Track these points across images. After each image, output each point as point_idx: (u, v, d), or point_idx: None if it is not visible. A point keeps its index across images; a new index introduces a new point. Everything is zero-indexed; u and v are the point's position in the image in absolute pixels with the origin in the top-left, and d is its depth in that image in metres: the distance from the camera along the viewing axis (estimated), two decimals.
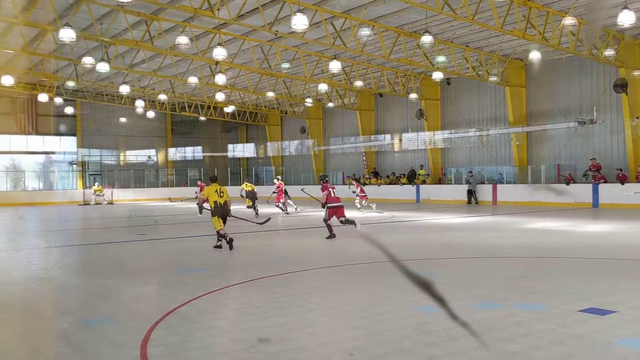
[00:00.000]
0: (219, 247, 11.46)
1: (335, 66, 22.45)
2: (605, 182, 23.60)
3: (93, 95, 36.90)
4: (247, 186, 21.69)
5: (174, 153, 45.32)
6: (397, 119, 34.66)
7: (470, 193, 27.64)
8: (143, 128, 42.50)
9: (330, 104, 34.24)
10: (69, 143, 40.77)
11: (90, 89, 35.73)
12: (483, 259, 9.93)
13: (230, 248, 11.20)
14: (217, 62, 24.89)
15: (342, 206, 13.16)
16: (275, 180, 23.15)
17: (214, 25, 21.83)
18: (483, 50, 25.55)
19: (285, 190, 22.33)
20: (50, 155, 40.78)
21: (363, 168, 36.16)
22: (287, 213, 22.05)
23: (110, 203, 35.56)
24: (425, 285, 1.56)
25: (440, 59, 24.37)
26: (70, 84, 30.72)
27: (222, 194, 11.47)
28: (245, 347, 4.87)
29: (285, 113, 40.65)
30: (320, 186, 13.50)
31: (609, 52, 22.15)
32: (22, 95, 35.79)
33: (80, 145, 40.74)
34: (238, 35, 23.23)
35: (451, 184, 30.39)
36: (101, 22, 21.34)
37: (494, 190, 27.31)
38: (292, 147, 43.18)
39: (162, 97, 34.20)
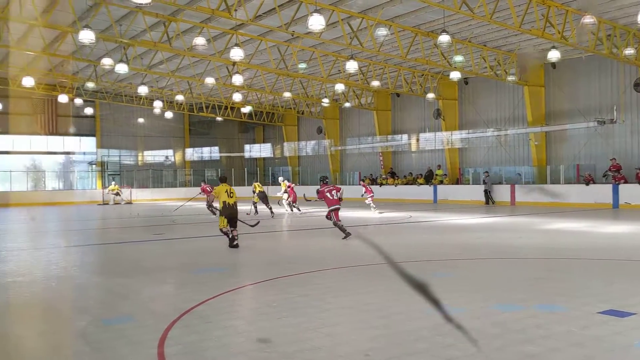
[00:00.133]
0: (236, 246, 11.54)
1: (352, 66, 22.40)
2: (626, 182, 23.29)
3: (112, 96, 37.29)
4: (259, 187, 22.03)
5: (191, 153, 45.59)
6: (414, 119, 34.52)
7: (487, 193, 27.44)
8: (161, 128, 42.83)
9: (347, 104, 34.20)
10: (88, 143, 41.21)
11: (109, 89, 36.10)
12: (501, 260, 9.85)
13: (230, 246, 11.44)
14: (234, 63, 24.98)
15: (338, 209, 13.23)
16: (280, 180, 23.73)
17: (231, 26, 21.92)
18: (501, 49, 25.34)
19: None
20: (70, 156, 41.23)
21: (380, 168, 36.06)
22: (298, 212, 22.33)
23: (129, 203, 35.84)
24: (421, 287, 1.55)
25: (458, 58, 24.21)
26: (90, 85, 31.04)
27: (231, 195, 11.61)
28: (261, 347, 4.88)
29: (302, 113, 40.68)
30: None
31: (629, 51, 21.84)
32: (42, 96, 36.25)
33: (100, 145, 41.16)
34: (255, 36, 23.30)
35: (469, 184, 30.19)
36: (120, 23, 21.53)
37: (512, 191, 27.08)
38: (308, 147, 43.21)
39: (180, 97, 34.41)
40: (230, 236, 11.52)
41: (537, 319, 5.61)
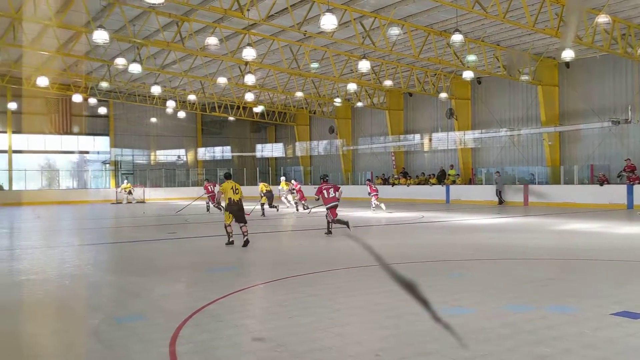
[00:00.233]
0: (247, 242, 11.78)
1: (364, 66, 22.37)
2: None
3: (125, 96, 37.54)
4: (265, 186, 22.27)
5: (204, 153, 45.79)
6: (426, 119, 34.41)
7: (499, 193, 27.28)
8: (174, 128, 43.06)
9: (359, 104, 34.17)
10: (102, 143, 41.53)
11: (123, 89, 36.36)
12: (514, 261, 9.79)
13: (227, 243, 11.83)
14: (246, 63, 25.06)
15: (335, 207, 13.76)
16: (281, 179, 24.27)
17: (243, 25, 21.99)
18: (514, 48, 25.19)
19: (289, 190, 22.91)
20: (84, 155, 41.57)
21: (392, 168, 35.98)
22: (306, 210, 22.49)
23: (142, 202, 36.05)
24: (410, 287, 1.55)
25: (471, 57, 24.10)
26: (104, 84, 31.29)
27: (237, 191, 11.93)
28: (272, 346, 4.89)
29: (314, 113, 40.70)
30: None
31: None
32: (56, 96, 36.58)
33: (113, 145, 41.46)
34: (267, 36, 23.35)
35: (482, 184, 30.05)
36: (133, 23, 21.69)
37: (526, 191, 26.91)
38: (320, 147, 43.22)
39: (192, 97, 34.58)
40: (230, 239, 11.88)
41: (549, 320, 5.58)
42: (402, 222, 18.39)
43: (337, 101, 34.42)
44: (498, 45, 24.54)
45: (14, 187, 37.15)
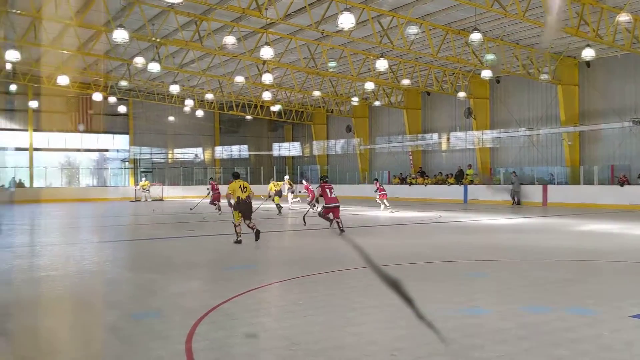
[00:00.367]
0: (258, 233, 12.05)
1: (382, 64, 22.29)
2: None
3: (145, 95, 37.86)
4: (275, 185, 22.82)
5: (221, 151, 46.00)
6: (444, 118, 34.23)
7: (515, 194, 27.06)
8: (192, 127, 43.30)
9: (377, 103, 34.08)
10: (121, 141, 41.92)
11: (142, 88, 36.67)
12: (531, 262, 9.71)
13: (235, 242, 11.97)
14: (264, 62, 25.12)
15: (338, 207, 14.07)
16: (285, 178, 24.61)
17: (261, 25, 22.05)
18: (534, 47, 24.95)
19: (293, 189, 23.22)
20: (104, 153, 42.00)
21: (410, 167, 35.85)
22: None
23: (160, 199, 36.32)
24: (395, 285, 1.56)
25: (490, 56, 23.92)
26: (123, 83, 31.59)
27: (245, 190, 12.14)
28: (287, 345, 4.91)
29: (331, 112, 40.68)
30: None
31: None
32: (77, 94, 36.98)
33: (133, 143, 41.82)
34: (285, 35, 23.39)
35: (500, 184, 29.80)
36: (152, 22, 21.85)
37: (545, 191, 26.65)
38: (337, 146, 43.19)
39: (210, 96, 34.76)
40: (238, 238, 12.03)
41: (567, 321, 5.52)
42: (419, 221, 18.32)
43: (355, 100, 34.37)
44: (517, 44, 24.33)
45: (35, 185, 37.65)
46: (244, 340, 5.07)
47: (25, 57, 26.90)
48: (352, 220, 18.96)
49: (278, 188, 22.79)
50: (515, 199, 26.96)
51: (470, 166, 31.54)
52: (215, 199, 23.21)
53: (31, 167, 37.84)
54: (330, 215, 14.15)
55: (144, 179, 37.16)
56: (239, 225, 12.14)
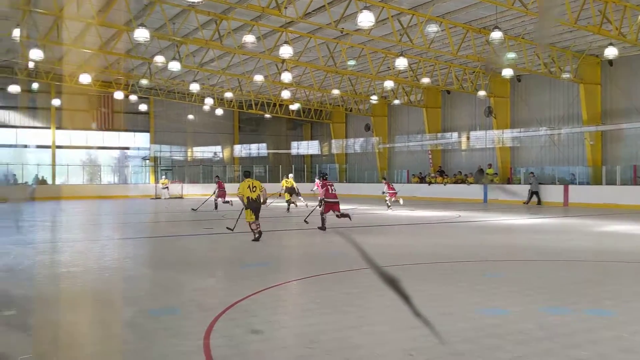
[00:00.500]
0: (257, 240, 12.17)
1: (401, 63, 22.20)
2: None
3: (165, 93, 38.15)
4: (287, 182, 23.13)
5: (240, 150, 46.19)
6: (464, 117, 33.99)
7: (533, 194, 26.80)
8: (211, 125, 43.52)
9: (396, 101, 33.94)
10: (142, 139, 42.31)
11: (162, 87, 36.98)
12: (551, 262, 9.61)
13: (254, 240, 12.05)
14: (283, 60, 25.17)
15: (338, 202, 14.62)
16: (290, 177, 24.65)
17: (280, 23, 22.09)
18: (555, 46, 24.66)
19: (297, 188, 23.42)
20: (125, 151, 42.43)
21: (429, 166, 35.67)
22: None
23: (180, 197, 36.56)
24: (392, 282, 1.57)
25: (511, 55, 23.70)
26: (144, 82, 31.87)
27: (254, 189, 12.33)
28: (304, 343, 4.92)
29: (350, 110, 40.62)
30: (319, 182, 15.04)
31: None
32: (99, 93, 37.41)
33: (153, 141, 42.19)
34: (304, 33, 23.41)
35: (520, 183, 29.52)
36: (173, 22, 22.02)
37: (566, 191, 26.35)
38: (356, 144, 43.12)
39: (229, 94, 34.90)
40: (256, 234, 12.17)
41: (586, 323, 5.46)
42: (438, 221, 18.23)
43: (374, 99, 34.26)
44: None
45: (57, 182, 38.17)
46: (261, 337, 5.09)
47: (48, 56, 27.28)
48: (370, 219, 18.94)
49: (289, 185, 23.03)
50: (535, 199, 26.68)
51: (490, 165, 31.27)
52: (220, 196, 23.59)
53: (53, 165, 38.37)
54: (330, 213, 14.54)
55: (164, 176, 37.48)
56: (254, 222, 12.25)
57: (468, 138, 33.72)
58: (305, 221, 15.53)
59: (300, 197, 24.13)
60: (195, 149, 44.31)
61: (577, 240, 12.85)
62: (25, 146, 37.87)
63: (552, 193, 26.79)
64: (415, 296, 6.40)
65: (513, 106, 31.02)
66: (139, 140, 42.27)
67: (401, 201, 24.06)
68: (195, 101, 38.53)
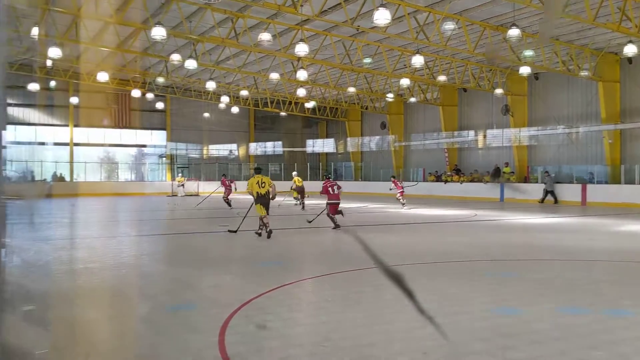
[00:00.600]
0: (259, 234, 12.45)
1: (417, 61, 22.08)
2: None
3: (181, 91, 38.37)
4: (298, 181, 23.38)
5: (255, 148, 46.30)
6: (481, 115, 33.76)
7: (549, 193, 26.56)
8: (227, 123, 43.68)
9: (412, 99, 33.81)
10: (159, 137, 42.60)
11: (179, 85, 37.18)
12: (569, 262, 9.52)
13: (268, 237, 12.18)
14: (299, 58, 25.18)
15: (338, 204, 14.70)
16: (294, 175, 24.86)
17: (296, 21, 22.09)
18: (574, 43, 24.39)
19: (302, 187, 23.64)
20: (142, 148, 42.76)
21: (445, 165, 35.49)
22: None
23: (195, 195, 36.75)
24: (396, 279, 1.57)
25: (528, 53, 23.47)
26: (161, 80, 32.07)
27: (263, 185, 12.56)
28: (319, 340, 4.93)
29: (366, 108, 40.54)
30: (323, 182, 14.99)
31: None
32: (116, 91, 37.73)
33: (170, 139, 42.47)
34: (320, 31, 23.39)
35: (537, 182, 29.26)
36: (190, 20, 22.13)
37: (583, 190, 26.07)
38: (372, 142, 43.02)
39: (245, 93, 35.00)
40: (267, 230, 12.32)
41: (603, 323, 5.41)
42: (454, 220, 18.14)
43: (390, 96, 34.15)
44: (557, 39, 23.81)
45: (75, 179, 38.56)
46: (276, 334, 5.11)
47: (67, 54, 27.58)
48: (384, 218, 18.91)
49: (300, 184, 23.29)
50: (550, 198, 26.44)
51: (507, 164, 31.03)
52: (227, 194, 23.88)
53: (71, 162, 38.76)
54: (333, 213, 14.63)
55: (180, 174, 37.72)
56: (265, 217, 12.42)
57: (485, 136, 33.49)
58: (308, 221, 15.50)
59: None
60: (211, 146, 44.51)
61: (594, 239, 12.72)
62: (44, 143, 38.33)
63: (570, 192, 26.52)
64: (428, 295, 6.39)
65: (530, 104, 30.75)
66: (156, 138, 42.56)
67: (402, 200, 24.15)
68: (211, 99, 38.70)
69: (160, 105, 38.97)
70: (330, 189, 14.56)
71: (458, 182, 32.65)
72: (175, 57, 23.58)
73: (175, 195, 35.46)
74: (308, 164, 46.33)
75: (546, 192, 26.57)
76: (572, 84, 28.37)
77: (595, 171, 27.49)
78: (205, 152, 44.31)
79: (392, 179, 24.66)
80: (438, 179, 34.25)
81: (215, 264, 9.31)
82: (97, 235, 14.21)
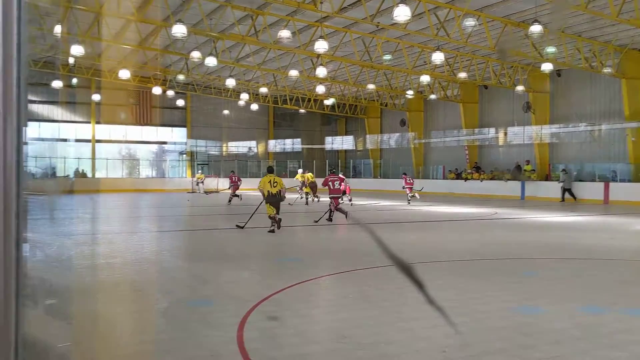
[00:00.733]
0: (272, 231, 12.56)
1: (438, 57, 21.98)
2: None
3: (202, 89, 38.59)
4: (310, 177, 24.00)
5: (274, 145, 46.42)
6: (502, 112, 33.44)
7: (566, 191, 26.23)
8: (246, 120, 43.87)
9: (432, 96, 33.61)
10: (179, 134, 42.95)
11: (199, 82, 37.41)
12: (589, 261, 9.41)
13: (278, 227, 12.60)
14: (318, 55, 25.18)
15: (338, 198, 15.49)
16: (299, 172, 25.32)
17: (316, 18, 22.09)
18: (597, 40, 24.04)
19: (307, 184, 23.93)
20: (163, 145, 43.13)
21: (465, 162, 35.24)
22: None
23: (216, 191, 36.94)
24: (406, 269, 1.55)
25: (550, 49, 23.20)
26: (181, 77, 32.31)
27: (275, 185, 12.80)
28: (337, 337, 4.93)
29: (385, 105, 40.40)
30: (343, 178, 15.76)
31: None
32: (137, 88, 38.07)
33: (190, 136, 42.77)
34: (340, 28, 23.35)
35: (558, 180, 28.93)
36: (210, 17, 22.23)
37: (606, 189, 25.71)
38: (391, 140, 42.86)
39: (264, 90, 35.09)
40: (277, 219, 12.67)
41: (625, 323, 5.33)
42: (474, 217, 18.02)
43: (410, 93, 33.99)
44: (579, 36, 23.49)
45: (96, 175, 39.04)
46: (294, 331, 5.12)
47: (89, 52, 27.90)
48: (404, 215, 18.84)
49: (313, 180, 23.87)
50: (568, 195, 26.15)
51: (528, 162, 30.71)
52: (234, 190, 24.06)
53: (93, 158, 39.23)
54: (340, 202, 15.45)
55: (200, 171, 37.98)
56: (274, 215, 12.71)
57: (505, 134, 33.19)
58: (315, 221, 15.40)
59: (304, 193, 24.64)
60: (230, 143, 44.74)
61: (616, 238, 12.55)
62: (66, 140, 38.85)
63: (592, 190, 26.19)
64: (449, 293, 6.38)
65: (552, 101, 30.39)
66: (176, 135, 42.91)
67: (417, 196, 25.02)
68: (231, 96, 38.87)
69: (180, 102, 39.27)
70: (330, 183, 15.10)
71: (478, 179, 32.41)
72: (196, 55, 23.73)
73: (195, 192, 35.68)
74: (327, 161, 46.32)
75: (564, 190, 26.26)
76: (594, 81, 27.98)
77: (618, 169, 27.09)
78: (224, 149, 44.54)
79: (403, 176, 24.87)
80: (458, 176, 34.04)
81: (234, 260, 9.37)
82: (118, 230, 14.37)
